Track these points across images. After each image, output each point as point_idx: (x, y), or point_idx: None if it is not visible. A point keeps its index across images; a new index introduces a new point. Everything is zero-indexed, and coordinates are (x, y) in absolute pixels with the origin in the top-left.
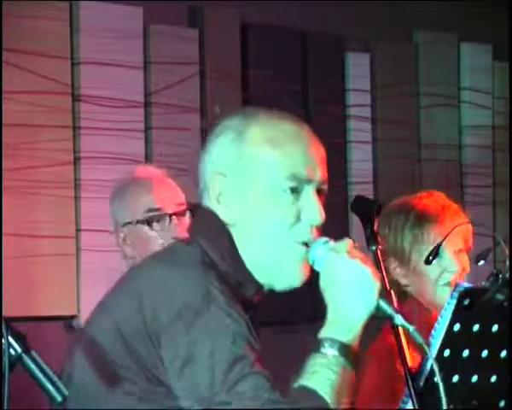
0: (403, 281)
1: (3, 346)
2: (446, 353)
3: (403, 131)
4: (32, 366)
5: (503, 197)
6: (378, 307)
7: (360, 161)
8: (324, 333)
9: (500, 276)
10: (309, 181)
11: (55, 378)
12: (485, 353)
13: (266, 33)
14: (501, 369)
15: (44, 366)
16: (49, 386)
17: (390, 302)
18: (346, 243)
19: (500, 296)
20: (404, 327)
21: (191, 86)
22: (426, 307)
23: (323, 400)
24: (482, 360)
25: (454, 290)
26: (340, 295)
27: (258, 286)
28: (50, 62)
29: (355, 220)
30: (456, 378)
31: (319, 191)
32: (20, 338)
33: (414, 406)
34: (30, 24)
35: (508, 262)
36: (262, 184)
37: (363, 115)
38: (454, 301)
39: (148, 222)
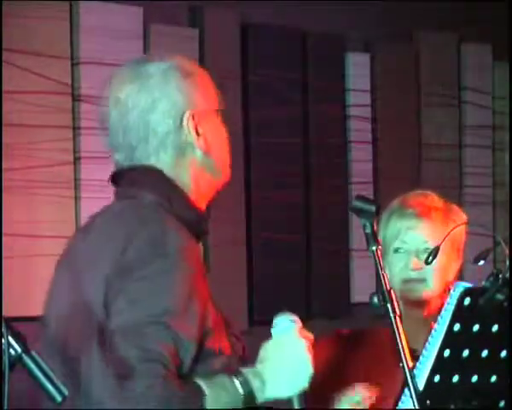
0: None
1: (3, 346)
2: (446, 353)
3: (403, 131)
4: (32, 366)
5: (503, 197)
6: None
7: (360, 161)
8: (249, 374)
9: (500, 276)
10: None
11: (55, 378)
12: (485, 353)
13: (266, 33)
14: (501, 369)
15: (44, 366)
16: (49, 386)
17: None
18: (297, 324)
19: (500, 296)
20: None
21: None
22: None
23: (202, 400)
24: (482, 360)
25: (454, 290)
26: (278, 369)
27: (207, 219)
28: (50, 62)
29: (355, 220)
30: (456, 378)
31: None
32: (20, 338)
33: (414, 406)
34: (30, 24)
35: (508, 262)
36: (214, 107)
37: (363, 115)
38: (454, 301)
39: None
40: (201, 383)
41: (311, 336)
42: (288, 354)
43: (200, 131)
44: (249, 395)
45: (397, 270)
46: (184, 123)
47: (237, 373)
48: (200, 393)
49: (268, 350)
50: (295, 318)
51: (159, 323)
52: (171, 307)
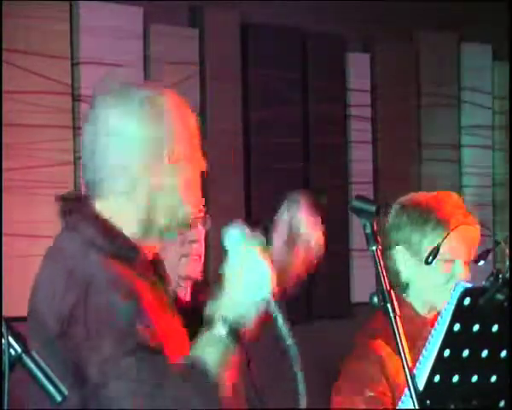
0: (406, 273)
1: (3, 346)
2: (446, 353)
3: (403, 131)
4: (32, 366)
5: (503, 197)
6: (267, 301)
7: (360, 161)
8: (216, 307)
9: (500, 276)
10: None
11: (55, 378)
12: (485, 353)
13: (266, 33)
14: (501, 369)
15: (44, 366)
16: (49, 386)
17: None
18: (257, 241)
19: (500, 296)
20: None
21: (191, 86)
22: (416, 311)
23: (206, 372)
24: (482, 360)
25: (454, 290)
26: (238, 285)
27: (141, 248)
28: (50, 62)
29: (355, 220)
30: (456, 378)
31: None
32: (20, 338)
33: (414, 406)
34: (30, 24)
35: (508, 262)
36: (180, 150)
37: (363, 115)
38: (454, 301)
39: None
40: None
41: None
42: (245, 267)
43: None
44: (231, 327)
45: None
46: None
47: (211, 322)
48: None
49: (232, 267)
50: (244, 227)
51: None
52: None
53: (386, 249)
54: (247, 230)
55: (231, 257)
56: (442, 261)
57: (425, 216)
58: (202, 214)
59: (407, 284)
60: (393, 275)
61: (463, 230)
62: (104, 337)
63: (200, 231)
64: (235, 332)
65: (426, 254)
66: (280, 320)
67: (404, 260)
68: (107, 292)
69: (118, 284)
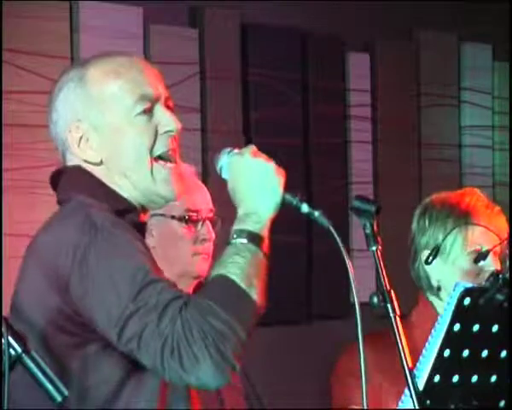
0: (436, 275)
1: (3, 346)
2: (446, 353)
3: (403, 131)
4: (32, 365)
5: (503, 197)
6: (284, 199)
7: (360, 161)
8: (234, 227)
9: (500, 276)
10: (157, 98)
11: (55, 378)
12: (485, 353)
13: (266, 33)
14: (501, 369)
15: (44, 366)
16: (49, 386)
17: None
18: (250, 147)
19: (500, 296)
20: (310, 215)
21: (191, 86)
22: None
23: (232, 280)
24: (482, 360)
25: (454, 290)
26: (245, 193)
27: (138, 209)
28: (50, 62)
29: (355, 220)
30: (456, 378)
31: (167, 108)
32: (20, 338)
33: (414, 406)
34: (30, 24)
35: (508, 262)
36: (116, 115)
37: (363, 115)
38: (454, 301)
39: (186, 221)
40: (211, 275)
41: (262, 154)
42: (253, 175)
43: (86, 144)
44: (253, 235)
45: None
46: (68, 136)
47: (229, 239)
48: (219, 277)
49: (235, 184)
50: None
51: (147, 284)
52: (143, 268)
53: (415, 255)
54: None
55: (230, 176)
56: (469, 257)
57: (446, 213)
58: (212, 215)
59: (439, 287)
60: (424, 279)
61: (487, 221)
62: (116, 280)
63: (210, 231)
64: (256, 239)
65: (452, 253)
66: (305, 207)
67: (432, 263)
68: (110, 234)
69: (121, 225)
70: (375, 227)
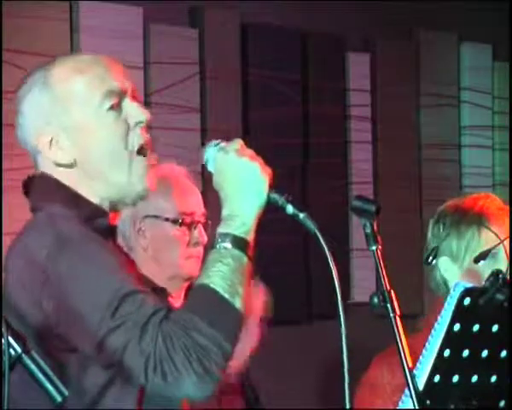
0: (453, 280)
1: (3, 346)
2: (446, 353)
3: (403, 131)
4: (32, 366)
5: (503, 197)
6: (269, 199)
7: (360, 161)
8: (218, 230)
9: (500, 276)
10: (124, 92)
11: (55, 378)
12: (485, 353)
13: (266, 33)
14: (501, 369)
15: (44, 366)
16: (49, 386)
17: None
18: (236, 143)
19: (500, 296)
20: (295, 216)
21: (191, 86)
22: None
23: (215, 291)
24: (482, 360)
25: (454, 290)
26: (230, 193)
27: (108, 211)
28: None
29: (355, 220)
30: (456, 378)
31: (134, 99)
32: (20, 338)
33: (414, 406)
34: (30, 24)
35: (508, 262)
36: (84, 114)
37: (363, 115)
38: (454, 301)
39: (180, 224)
40: (194, 284)
41: (248, 150)
42: (238, 175)
43: (56, 146)
44: (237, 239)
45: None
46: (38, 140)
47: (213, 242)
48: (201, 288)
49: (220, 182)
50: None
51: (121, 298)
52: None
53: (432, 261)
54: (222, 141)
55: (215, 173)
56: (487, 260)
57: (459, 219)
58: (205, 219)
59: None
60: (442, 286)
61: (501, 223)
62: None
63: (203, 234)
64: (240, 243)
65: (467, 258)
66: (290, 209)
67: (448, 269)
68: (79, 246)
69: (91, 237)
70: (374, 227)
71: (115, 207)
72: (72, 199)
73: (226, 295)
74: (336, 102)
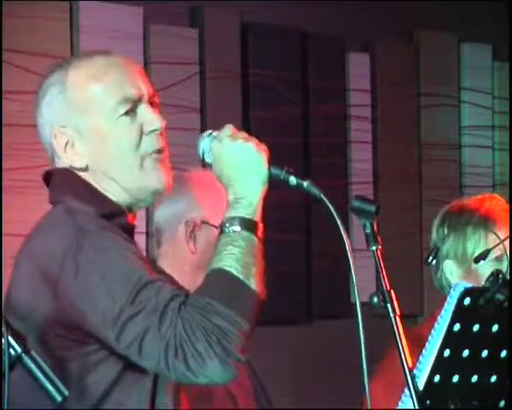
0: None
1: (3, 346)
2: (446, 353)
3: (403, 131)
4: (32, 366)
5: (503, 197)
6: (270, 175)
7: (360, 161)
8: (225, 215)
9: (500, 276)
10: (139, 99)
11: (55, 378)
12: (485, 353)
13: (266, 33)
14: (501, 369)
15: (44, 366)
16: (49, 386)
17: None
18: (227, 128)
19: (500, 296)
20: (299, 186)
21: (191, 86)
22: None
23: (229, 273)
24: (482, 360)
25: (454, 290)
26: (231, 178)
27: (127, 211)
28: (50, 62)
29: (355, 220)
30: (456, 378)
31: (152, 104)
32: (20, 338)
33: (414, 406)
34: (30, 24)
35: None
36: (99, 120)
37: (363, 115)
38: (454, 301)
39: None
40: (207, 269)
41: (241, 133)
42: (235, 159)
43: (72, 149)
44: (245, 221)
45: None
46: (54, 142)
47: (221, 227)
48: (215, 272)
49: (219, 171)
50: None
51: (142, 287)
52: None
53: (437, 265)
54: (214, 131)
55: (214, 163)
56: (491, 263)
57: (465, 221)
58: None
59: None
60: (447, 288)
61: (505, 225)
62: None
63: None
64: (248, 224)
65: (471, 261)
66: (293, 180)
67: (453, 273)
68: (98, 238)
69: (109, 228)
70: (374, 227)
71: (131, 208)
72: (92, 194)
73: (241, 277)
74: (336, 102)
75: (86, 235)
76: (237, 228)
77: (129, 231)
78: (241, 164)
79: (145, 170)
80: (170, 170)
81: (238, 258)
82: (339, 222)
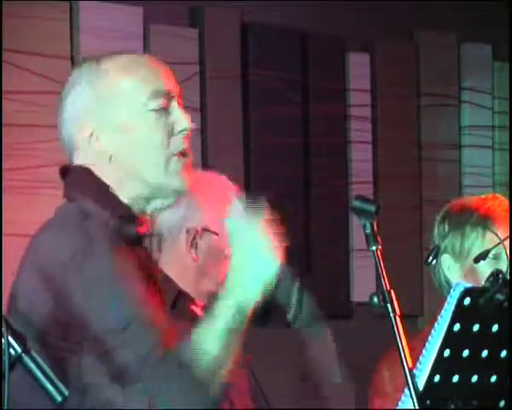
0: (455, 279)
1: (3, 346)
2: (446, 353)
3: (403, 131)
4: (32, 366)
5: (503, 197)
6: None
7: (360, 161)
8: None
9: (500, 276)
10: (169, 94)
11: (55, 378)
12: (485, 353)
13: (266, 33)
14: (501, 369)
15: (44, 366)
16: (49, 386)
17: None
18: (257, 222)
19: (500, 296)
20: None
21: (191, 86)
22: None
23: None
24: (482, 360)
25: (454, 290)
26: (238, 281)
27: (140, 215)
28: (50, 62)
29: (355, 220)
30: (456, 378)
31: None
32: (20, 338)
33: (414, 406)
34: (30, 24)
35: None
36: (128, 112)
37: (363, 115)
38: (454, 301)
39: None
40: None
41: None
42: (250, 261)
43: (96, 141)
44: (237, 306)
45: None
46: (77, 135)
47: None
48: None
49: (233, 254)
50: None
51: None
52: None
53: (432, 261)
54: (247, 210)
55: (233, 242)
56: (489, 262)
57: (464, 218)
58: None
59: None
60: (444, 284)
61: (505, 225)
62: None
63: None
64: (240, 313)
65: (470, 258)
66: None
67: (450, 268)
68: (96, 258)
69: (117, 247)
70: (374, 227)
71: (145, 209)
72: (106, 196)
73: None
74: (336, 102)
75: (92, 248)
76: (229, 319)
77: (138, 240)
78: (254, 272)
79: (170, 171)
80: (192, 174)
81: (219, 344)
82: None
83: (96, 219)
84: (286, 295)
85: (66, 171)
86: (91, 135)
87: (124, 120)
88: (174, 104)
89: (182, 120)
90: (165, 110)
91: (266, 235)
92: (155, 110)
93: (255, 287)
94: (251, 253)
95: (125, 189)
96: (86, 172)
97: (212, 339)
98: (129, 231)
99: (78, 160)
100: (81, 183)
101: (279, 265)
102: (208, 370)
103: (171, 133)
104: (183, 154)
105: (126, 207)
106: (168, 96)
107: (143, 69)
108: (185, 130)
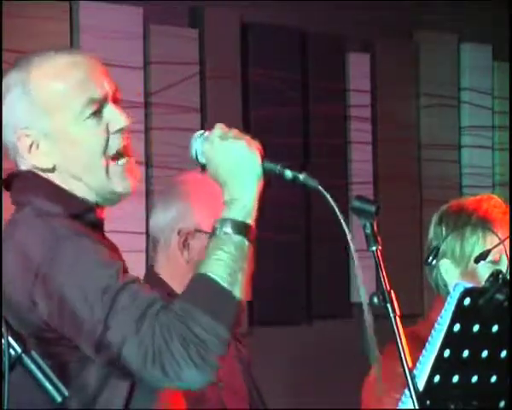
0: (453, 283)
1: (3, 346)
2: (446, 353)
3: (403, 131)
4: (32, 366)
5: (503, 198)
6: (265, 170)
7: (360, 161)
8: (220, 216)
9: (500, 276)
10: (105, 98)
11: (55, 378)
12: (485, 353)
13: (266, 33)
14: (501, 369)
15: (44, 366)
16: (49, 386)
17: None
18: (217, 128)
19: (500, 296)
20: (295, 179)
21: (191, 86)
22: None
23: (214, 281)
24: (482, 360)
25: (454, 290)
26: (225, 179)
27: (95, 207)
28: None
29: (355, 220)
30: (456, 378)
31: (115, 101)
32: (20, 338)
33: (414, 406)
34: (30, 24)
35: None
36: (65, 121)
37: (363, 115)
38: (454, 301)
39: None
40: (194, 273)
41: (232, 130)
42: (227, 160)
43: (37, 150)
44: (237, 224)
45: None
46: (18, 144)
47: (213, 230)
48: (200, 278)
49: (213, 172)
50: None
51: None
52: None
53: (432, 261)
54: (205, 131)
55: (208, 164)
56: (488, 265)
57: (463, 221)
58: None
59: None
60: (442, 288)
61: (504, 227)
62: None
63: None
64: (240, 227)
65: (470, 262)
66: (287, 173)
67: (448, 272)
68: (71, 244)
69: (82, 232)
70: (374, 227)
71: (99, 204)
72: (59, 194)
73: (225, 285)
74: (336, 102)
75: (61, 241)
76: (229, 230)
77: (99, 225)
78: (233, 164)
79: (111, 176)
80: (136, 172)
81: (226, 264)
82: (338, 212)
83: (55, 214)
84: None
85: (12, 178)
86: (31, 144)
87: (61, 129)
88: (108, 105)
89: (117, 119)
90: (100, 113)
91: (231, 136)
92: (91, 116)
93: (246, 183)
94: (232, 153)
95: (73, 192)
96: (34, 175)
97: (218, 268)
98: (89, 219)
99: (23, 166)
100: (30, 186)
101: (257, 152)
102: (218, 302)
103: (107, 135)
104: (120, 154)
105: (80, 200)
106: (102, 100)
107: (75, 74)
108: (121, 129)
